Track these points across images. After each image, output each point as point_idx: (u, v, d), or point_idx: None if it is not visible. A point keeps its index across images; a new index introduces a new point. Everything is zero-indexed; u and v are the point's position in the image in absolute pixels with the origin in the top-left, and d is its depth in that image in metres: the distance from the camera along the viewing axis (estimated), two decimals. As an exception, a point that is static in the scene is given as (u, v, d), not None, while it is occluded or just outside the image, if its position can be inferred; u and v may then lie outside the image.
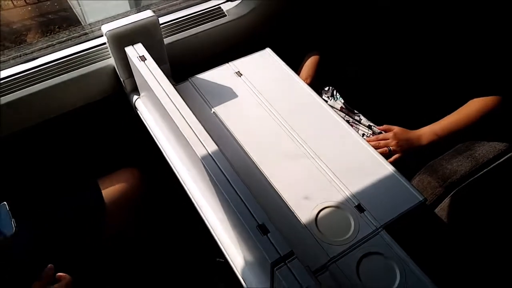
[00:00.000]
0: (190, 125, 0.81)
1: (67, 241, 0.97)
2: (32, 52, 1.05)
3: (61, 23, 3.02)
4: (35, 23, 3.05)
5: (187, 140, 0.78)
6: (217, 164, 0.74)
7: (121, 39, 0.97)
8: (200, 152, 0.76)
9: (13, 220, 0.76)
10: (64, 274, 0.85)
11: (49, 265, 0.84)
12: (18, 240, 0.80)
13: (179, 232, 1.27)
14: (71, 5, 2.75)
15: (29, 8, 3.11)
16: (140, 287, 1.12)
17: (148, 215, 1.16)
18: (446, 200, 0.95)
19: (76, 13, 2.55)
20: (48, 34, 2.96)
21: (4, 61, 1.03)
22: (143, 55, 0.94)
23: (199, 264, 1.24)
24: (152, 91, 0.88)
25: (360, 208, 0.83)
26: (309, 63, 1.23)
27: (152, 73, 0.90)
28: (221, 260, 0.89)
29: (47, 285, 0.82)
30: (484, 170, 0.98)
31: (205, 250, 1.18)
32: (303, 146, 0.93)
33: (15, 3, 3.05)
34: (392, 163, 0.95)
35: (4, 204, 0.77)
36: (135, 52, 0.95)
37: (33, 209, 0.99)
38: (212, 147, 0.77)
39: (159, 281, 1.16)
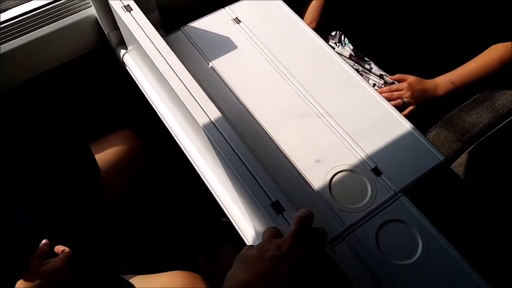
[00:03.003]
0: (187, 86, 0.72)
1: (64, 212, 0.92)
2: (-1, 3, 0.92)
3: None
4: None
5: (184, 103, 0.70)
6: (221, 133, 0.66)
7: (101, -15, 0.85)
8: (200, 118, 0.68)
9: None
10: (62, 246, 0.81)
11: (44, 240, 0.79)
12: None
13: (178, 195, 1.22)
14: None
15: None
16: (139, 254, 1.09)
17: (146, 178, 1.09)
18: (464, 156, 0.89)
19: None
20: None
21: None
22: (128, 5, 0.82)
23: (200, 227, 1.20)
24: (141, 46, 0.77)
25: (376, 171, 0.77)
26: (314, 5, 1.11)
27: (140, 25, 0.80)
28: (226, 220, 0.84)
29: (45, 259, 0.78)
30: (505, 122, 0.91)
31: (208, 212, 1.14)
32: (311, 103, 0.85)
33: None
34: (406, 116, 0.89)
35: None
36: (119, 1, 0.82)
37: (20, 181, 0.92)
38: (212, 111, 0.68)
39: (158, 246, 1.12)
